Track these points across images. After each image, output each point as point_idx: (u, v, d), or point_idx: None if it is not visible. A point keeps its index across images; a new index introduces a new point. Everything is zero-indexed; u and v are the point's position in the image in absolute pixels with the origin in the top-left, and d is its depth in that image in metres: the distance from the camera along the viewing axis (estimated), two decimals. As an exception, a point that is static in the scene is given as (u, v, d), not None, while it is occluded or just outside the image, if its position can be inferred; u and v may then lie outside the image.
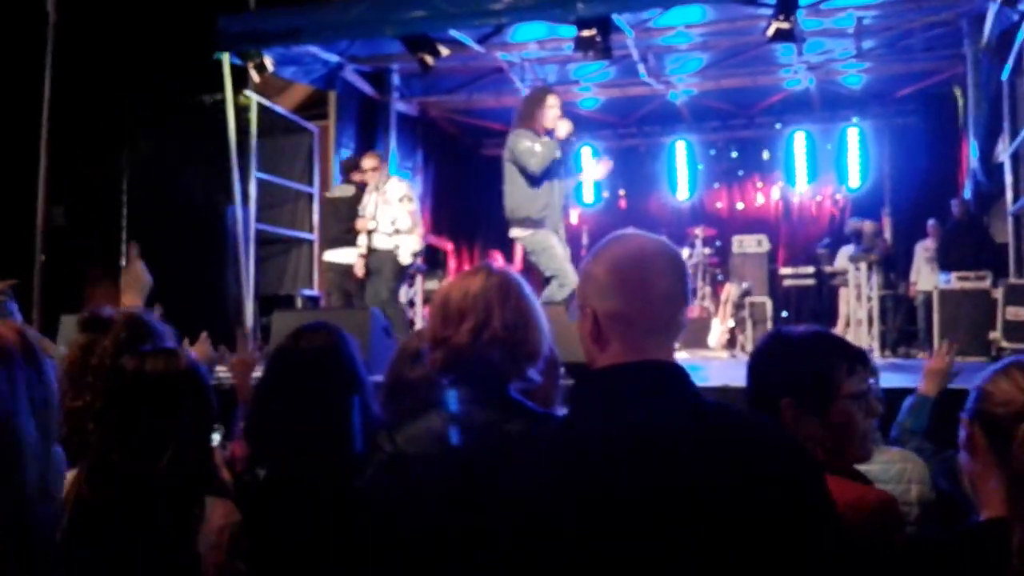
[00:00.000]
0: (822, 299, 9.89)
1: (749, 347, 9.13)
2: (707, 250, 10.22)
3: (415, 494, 1.85)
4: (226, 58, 8.32)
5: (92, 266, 10.75)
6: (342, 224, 8.04)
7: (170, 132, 9.77)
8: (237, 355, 3.37)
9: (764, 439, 1.39)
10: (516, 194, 6.00)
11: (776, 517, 1.30)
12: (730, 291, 9.17)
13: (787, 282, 10.10)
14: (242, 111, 8.83)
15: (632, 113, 11.90)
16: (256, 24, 8.37)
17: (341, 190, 8.33)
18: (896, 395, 3.01)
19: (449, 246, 12.14)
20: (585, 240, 9.45)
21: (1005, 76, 7.89)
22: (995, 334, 7.11)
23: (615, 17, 7.64)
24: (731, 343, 9.08)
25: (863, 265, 8.23)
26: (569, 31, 7.79)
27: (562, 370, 2.52)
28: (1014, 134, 7.73)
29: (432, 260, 10.32)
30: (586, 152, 11.85)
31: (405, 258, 7.60)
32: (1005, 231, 8.09)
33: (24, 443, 1.47)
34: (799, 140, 11.79)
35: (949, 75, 9.83)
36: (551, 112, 5.98)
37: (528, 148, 5.87)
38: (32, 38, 8.32)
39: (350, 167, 8.33)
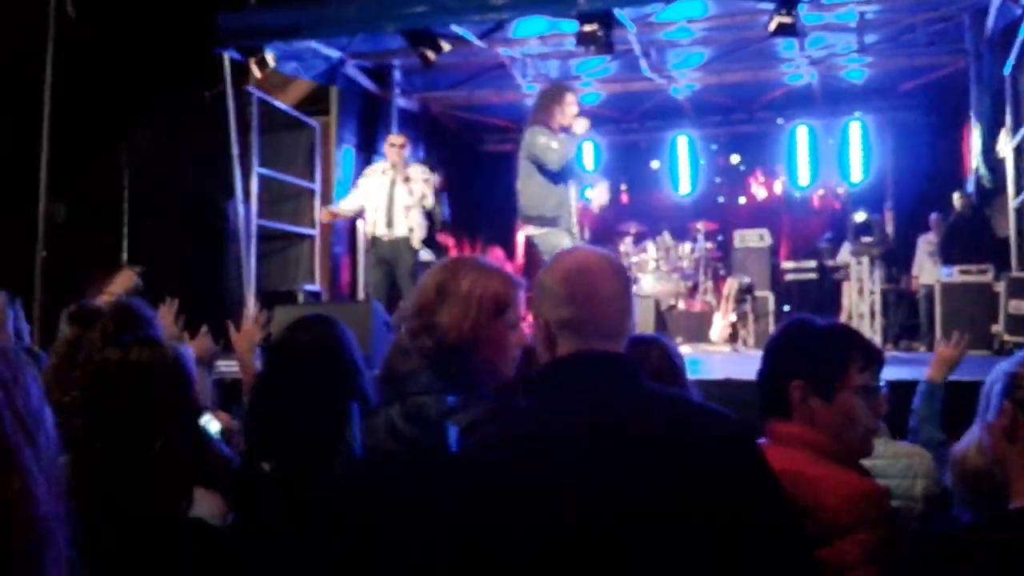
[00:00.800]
0: (824, 293, 9.88)
1: (751, 341, 9.13)
2: (709, 244, 10.21)
3: (367, 487, 1.87)
4: (227, 54, 8.32)
5: (93, 262, 10.73)
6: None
7: (171, 128, 9.75)
8: (240, 332, 3.34)
9: (706, 421, 1.49)
10: (530, 191, 6.00)
11: (718, 495, 1.38)
12: (732, 285, 9.17)
13: (789, 276, 10.10)
14: (243, 107, 8.82)
15: (634, 108, 11.88)
16: (257, 19, 8.36)
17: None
18: (898, 388, 3.01)
19: (451, 242, 12.13)
20: (587, 235, 9.44)
21: (1007, 71, 7.87)
22: (997, 327, 7.10)
23: (617, 12, 7.63)
24: (733, 337, 9.08)
25: (865, 259, 8.22)
26: (571, 26, 7.77)
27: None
28: (1016, 128, 7.71)
29: (433, 255, 10.30)
30: (587, 147, 11.85)
31: (416, 242, 7.47)
32: (1007, 225, 8.08)
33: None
34: (801, 135, 11.76)
35: (951, 70, 9.81)
36: (571, 109, 5.97)
37: (546, 144, 5.86)
38: (33, 34, 8.31)
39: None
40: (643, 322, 4.41)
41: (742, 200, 12.95)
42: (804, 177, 11.92)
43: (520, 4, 7.58)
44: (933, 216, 9.65)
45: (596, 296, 1.56)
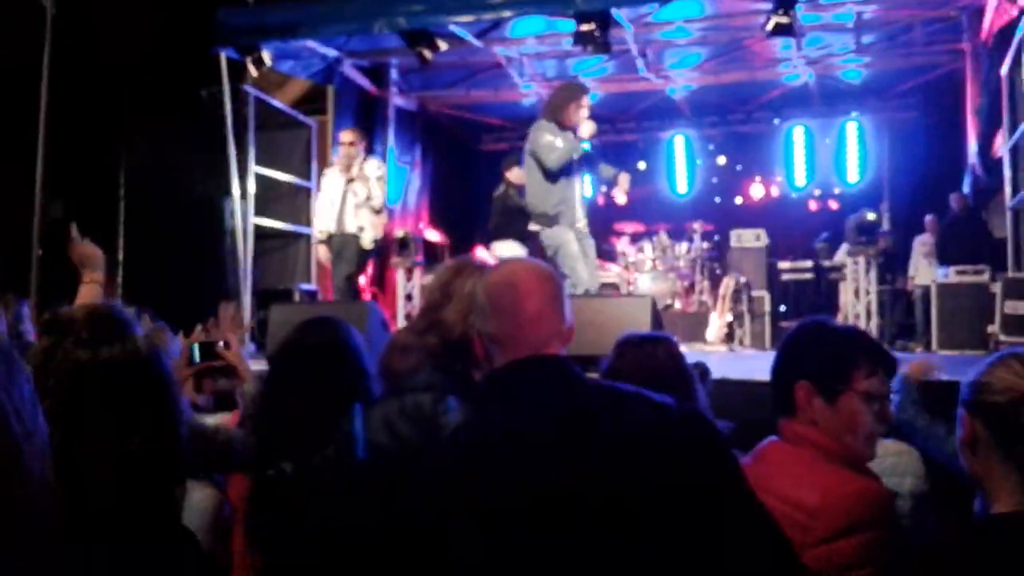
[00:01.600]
0: (821, 293, 9.89)
1: (747, 341, 9.13)
2: (705, 244, 10.21)
3: (369, 485, 1.88)
4: (224, 52, 8.31)
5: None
6: (503, 217, 8.08)
7: (167, 126, 9.74)
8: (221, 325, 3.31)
9: (652, 409, 1.50)
10: (532, 188, 6.05)
11: (669, 481, 1.40)
12: (728, 285, 9.17)
13: (785, 276, 10.10)
14: (240, 106, 8.81)
15: (631, 108, 11.88)
16: (254, 18, 8.35)
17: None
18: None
19: (447, 241, 12.13)
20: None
21: (1004, 71, 7.88)
22: (993, 328, 7.11)
23: (614, 11, 7.62)
24: (729, 337, 9.07)
25: (861, 259, 8.22)
26: (568, 26, 7.77)
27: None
28: (1013, 128, 7.72)
29: (430, 255, 10.30)
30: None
31: (367, 242, 7.42)
32: (1004, 225, 8.09)
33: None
34: (798, 135, 11.78)
35: (949, 70, 9.82)
36: (583, 112, 5.99)
37: (549, 143, 5.88)
38: (30, 32, 8.29)
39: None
40: (640, 322, 4.41)
41: (739, 200, 12.95)
42: (801, 177, 11.93)
43: (517, 3, 7.58)
44: (929, 217, 9.66)
45: (518, 313, 1.58)
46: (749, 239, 10.04)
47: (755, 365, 6.53)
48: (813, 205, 12.68)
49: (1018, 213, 7.79)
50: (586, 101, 6.08)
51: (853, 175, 11.53)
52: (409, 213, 11.29)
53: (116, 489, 1.86)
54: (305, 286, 9.17)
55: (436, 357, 1.95)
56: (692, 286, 9.93)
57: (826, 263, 10.08)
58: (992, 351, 6.78)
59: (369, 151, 10.54)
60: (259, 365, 3.04)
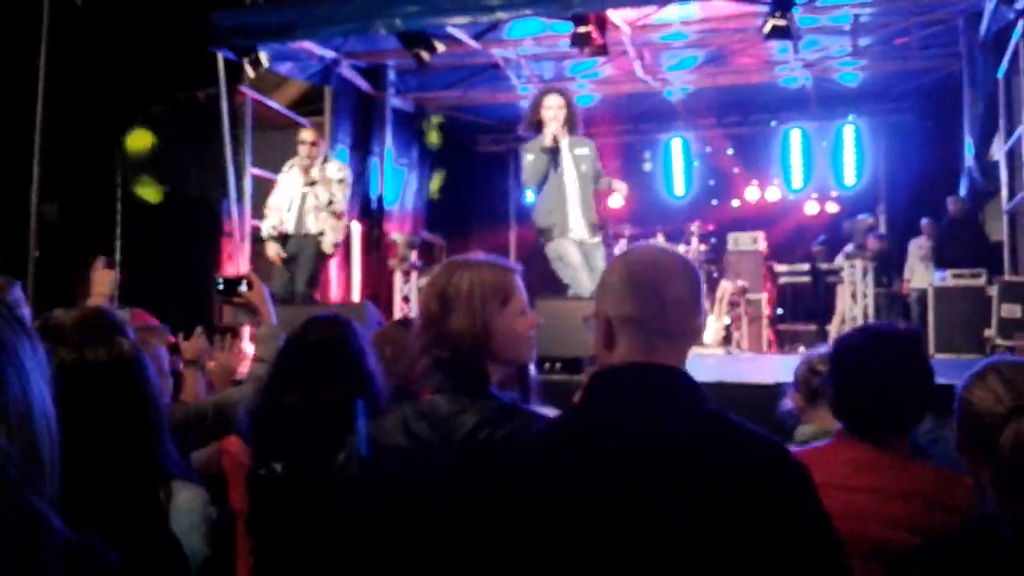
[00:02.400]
0: (818, 296, 9.90)
1: (744, 344, 9.13)
2: (703, 247, 10.21)
3: (376, 484, 1.87)
4: (221, 53, 8.30)
5: (86, 261, 10.68)
6: None
7: (164, 127, 9.73)
8: (217, 360, 3.32)
9: (759, 451, 1.40)
10: (534, 205, 6.04)
11: (767, 527, 1.32)
12: (725, 288, 9.18)
13: (783, 279, 10.12)
14: (237, 107, 8.80)
15: (628, 110, 11.89)
16: (251, 19, 8.34)
17: None
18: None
19: (444, 242, 12.13)
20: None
21: (1001, 74, 7.89)
22: (990, 332, 7.12)
23: (611, 14, 7.63)
24: (726, 340, 9.08)
25: (858, 263, 8.23)
26: (565, 27, 7.78)
27: (554, 365, 2.51)
28: (1009, 132, 7.73)
29: (427, 256, 10.30)
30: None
31: (328, 247, 7.18)
32: (1000, 229, 8.10)
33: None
34: (795, 138, 11.79)
35: (945, 73, 9.83)
36: (546, 113, 5.96)
37: (524, 161, 5.94)
38: (27, 32, 8.28)
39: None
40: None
41: (736, 203, 12.96)
42: (798, 180, 11.95)
43: (514, 5, 7.57)
44: (924, 221, 9.67)
45: (662, 293, 1.49)
46: (746, 242, 10.06)
47: (752, 368, 6.54)
48: (810, 208, 12.69)
49: (1014, 216, 7.81)
50: (547, 102, 5.98)
51: (850, 178, 11.54)
52: (407, 215, 11.28)
53: (95, 491, 1.86)
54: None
55: (449, 369, 1.93)
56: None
57: (823, 266, 10.10)
58: (989, 355, 6.80)
59: (366, 152, 10.56)
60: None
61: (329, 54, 9.49)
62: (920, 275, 9.34)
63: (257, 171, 8.98)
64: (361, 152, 10.53)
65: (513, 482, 1.47)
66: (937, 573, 1.58)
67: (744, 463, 1.37)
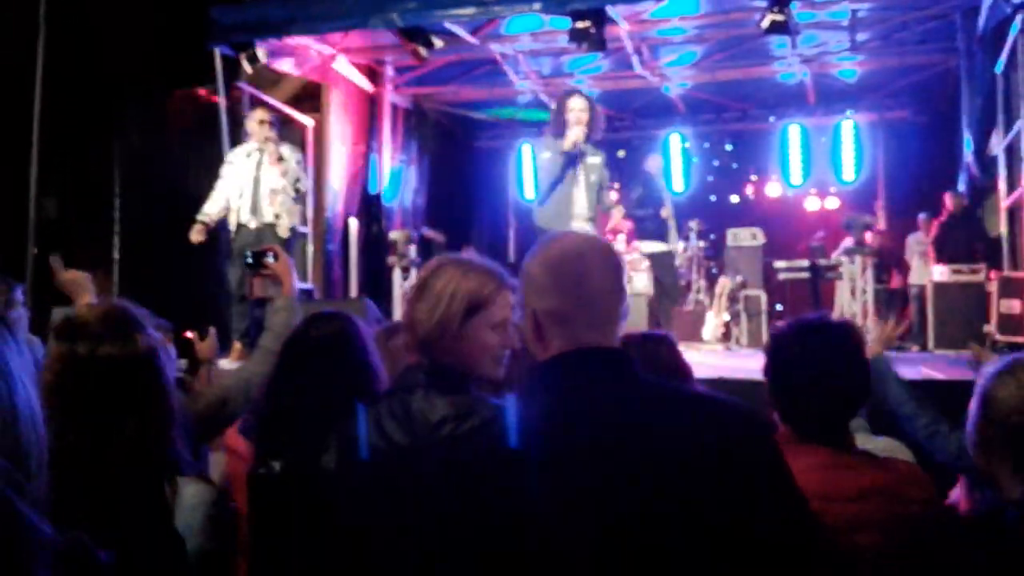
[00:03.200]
0: (817, 292, 9.89)
1: (744, 340, 9.13)
2: (702, 243, 10.21)
3: (366, 484, 1.86)
4: (218, 49, 8.29)
5: (84, 258, 10.67)
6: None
7: (162, 124, 9.72)
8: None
9: (713, 409, 1.42)
10: (538, 202, 6.05)
11: (729, 483, 1.33)
12: (725, 284, 9.17)
13: (782, 275, 10.10)
14: (235, 103, 8.79)
15: (627, 106, 11.88)
16: (249, 15, 8.33)
17: None
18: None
19: (443, 238, 12.13)
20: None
21: (999, 69, 7.88)
22: (989, 327, 7.12)
23: (609, 9, 7.62)
24: (726, 336, 9.08)
25: (858, 258, 8.23)
26: (563, 23, 7.77)
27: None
28: (1008, 127, 7.73)
29: (426, 252, 10.30)
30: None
31: (284, 231, 6.83)
32: (999, 224, 8.10)
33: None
34: (793, 133, 11.78)
35: (944, 68, 9.83)
36: (570, 116, 5.93)
37: (539, 158, 6.02)
38: (24, 28, 8.27)
39: None
40: (636, 321, 4.40)
41: (735, 199, 12.96)
42: (796, 176, 11.94)
43: (512, 1, 7.57)
44: (921, 216, 9.67)
45: (584, 285, 1.49)
46: (745, 238, 10.05)
47: (751, 364, 6.53)
48: (810, 204, 12.69)
49: (1013, 212, 7.81)
50: (571, 105, 5.96)
51: (849, 174, 11.53)
52: (406, 211, 11.28)
53: (100, 484, 1.86)
54: (301, 285, 9.14)
55: (416, 354, 1.93)
56: (688, 285, 9.93)
57: (822, 262, 10.09)
58: (991, 351, 6.79)
59: (364, 149, 10.56)
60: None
61: (327, 50, 9.48)
62: (919, 270, 9.34)
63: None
64: (359, 148, 10.52)
65: (468, 485, 1.50)
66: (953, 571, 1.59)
67: (695, 424, 1.39)
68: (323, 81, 9.97)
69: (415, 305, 1.89)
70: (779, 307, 9.97)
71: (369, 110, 10.69)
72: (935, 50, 9.51)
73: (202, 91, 9.06)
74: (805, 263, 10.22)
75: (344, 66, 9.98)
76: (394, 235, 9.36)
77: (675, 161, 12.33)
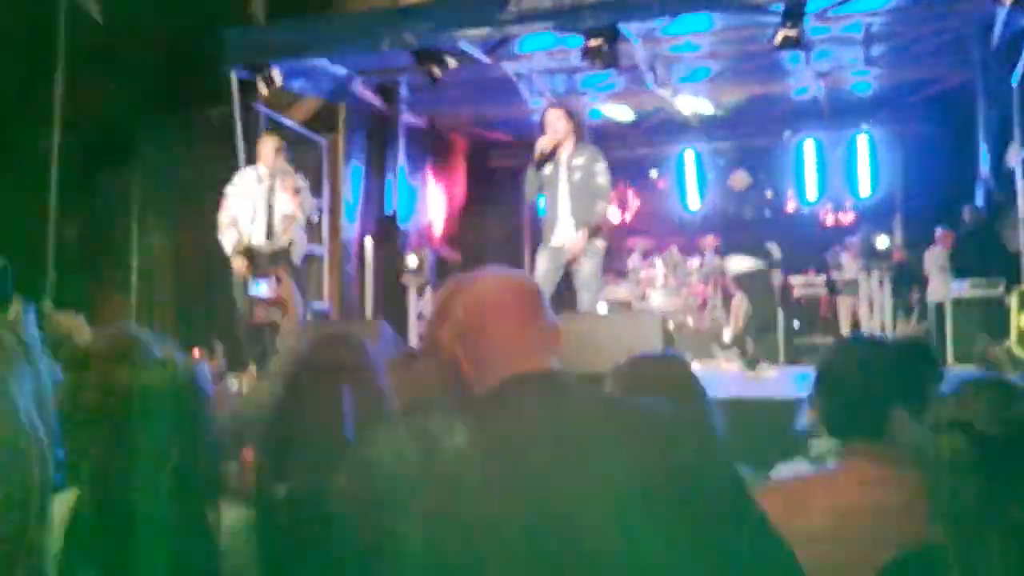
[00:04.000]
0: (834, 308, 9.85)
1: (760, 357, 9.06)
2: (718, 260, 10.17)
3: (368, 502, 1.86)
4: (234, 72, 8.35)
5: (104, 283, 10.77)
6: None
7: (179, 146, 9.79)
8: None
9: (660, 418, 1.49)
10: None
11: (672, 486, 1.38)
12: (741, 301, 9.13)
13: (798, 291, 10.07)
14: (251, 125, 8.84)
15: (640, 123, 11.87)
16: (264, 37, 8.41)
17: None
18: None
19: (459, 258, 12.14)
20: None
21: (1015, 81, 7.84)
22: (1009, 342, 7.05)
23: (622, 26, 7.63)
24: (743, 353, 9.02)
25: (875, 273, 8.18)
26: (576, 41, 7.79)
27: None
28: (1025, 140, 7.68)
29: (442, 273, 10.31)
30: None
31: (297, 258, 6.84)
32: (1017, 238, 8.03)
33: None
34: (808, 149, 11.73)
35: (959, 81, 9.78)
36: (547, 128, 6.04)
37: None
38: (43, 52, 8.36)
39: None
40: (650, 339, 4.39)
41: (750, 215, 12.89)
42: (812, 192, 11.88)
43: (525, 19, 7.59)
44: (939, 230, 9.61)
45: (488, 333, 1.57)
46: (750, 263, 9.98)
47: (768, 382, 6.49)
48: (826, 219, 12.62)
49: (1032, 225, 7.75)
50: (546, 118, 6.09)
51: (865, 188, 11.47)
52: (421, 231, 11.30)
53: (153, 509, 1.86)
54: (317, 305, 9.18)
55: (435, 377, 1.93)
56: (704, 302, 9.89)
57: (838, 278, 10.05)
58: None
59: (380, 169, 10.61)
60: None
61: (342, 71, 9.52)
62: (937, 286, 9.27)
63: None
64: (375, 169, 10.56)
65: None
66: None
67: (646, 432, 1.45)
68: (338, 102, 10.02)
69: (438, 325, 1.89)
70: (797, 323, 9.91)
71: (384, 130, 10.73)
72: (950, 63, 9.47)
73: (218, 112, 9.13)
74: (821, 279, 10.18)
75: (359, 87, 10.03)
76: (410, 255, 9.38)
77: (690, 177, 12.32)
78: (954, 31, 8.79)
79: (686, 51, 9.41)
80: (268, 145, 7.02)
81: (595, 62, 7.55)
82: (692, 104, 10.80)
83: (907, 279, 9.82)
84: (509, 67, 9.74)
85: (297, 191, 6.84)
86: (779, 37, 7.18)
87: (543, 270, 5.85)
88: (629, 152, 12.44)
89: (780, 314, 9.43)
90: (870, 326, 8.14)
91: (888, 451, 2.03)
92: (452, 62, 8.27)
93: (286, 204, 6.78)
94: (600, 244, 5.95)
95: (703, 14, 8.24)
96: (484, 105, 10.94)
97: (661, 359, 2.50)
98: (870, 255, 8.31)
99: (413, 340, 8.60)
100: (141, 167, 10.05)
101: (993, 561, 1.50)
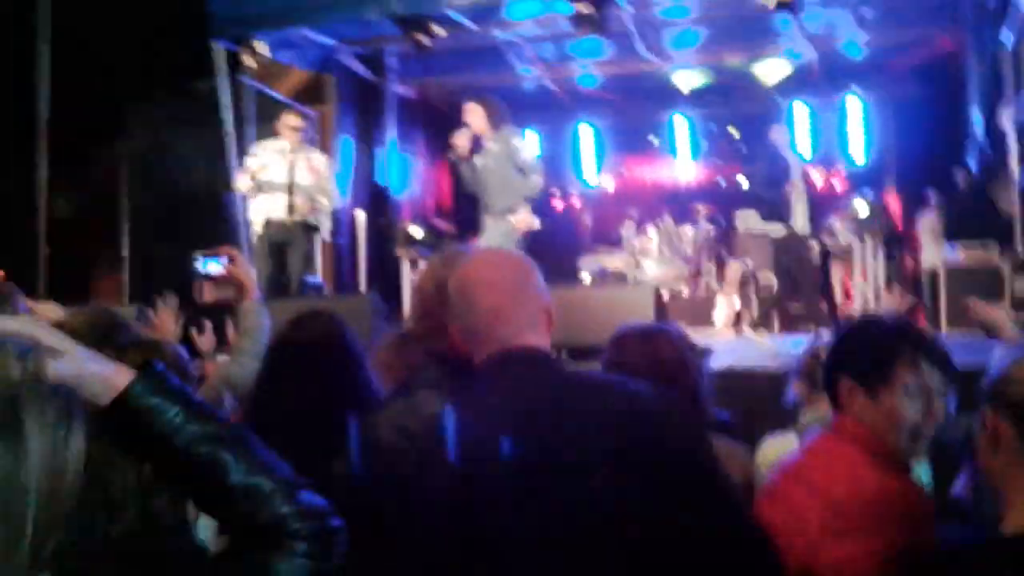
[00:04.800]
0: (827, 274, 9.81)
1: (755, 324, 9.06)
2: (710, 227, 10.14)
3: (370, 484, 1.86)
4: (220, 44, 8.26)
5: (96, 257, 10.74)
6: None
7: (166, 120, 9.72)
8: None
9: (630, 400, 1.50)
10: None
11: (651, 471, 1.40)
12: (735, 269, 9.11)
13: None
14: (239, 97, 8.77)
15: (631, 90, 11.77)
16: (246, 7, 8.30)
17: None
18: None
19: (452, 229, 12.09)
20: (589, 222, 9.36)
21: (1006, 41, 7.78)
22: (1003, 306, 7.05)
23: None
24: (736, 321, 9.02)
25: (868, 240, 8.15)
26: (565, 7, 7.71)
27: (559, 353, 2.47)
28: (1018, 101, 7.63)
29: (435, 245, 10.26)
30: (586, 131, 11.93)
31: (327, 234, 7.34)
32: (1011, 200, 8.01)
33: None
34: (800, 113, 11.64)
35: (952, 43, 9.71)
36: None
37: None
38: (27, 28, 8.28)
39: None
40: (643, 310, 4.38)
41: (743, 181, 12.85)
42: (805, 155, 11.79)
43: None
44: (930, 193, 9.58)
45: (477, 309, 1.59)
46: (754, 221, 9.96)
47: (762, 352, 6.48)
48: (817, 184, 12.55)
49: (1025, 189, 7.72)
50: (464, 113, 6.45)
51: (857, 151, 11.41)
52: (414, 202, 11.24)
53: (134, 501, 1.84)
54: (311, 279, 9.11)
55: (445, 361, 1.90)
56: (698, 270, 9.87)
57: (830, 243, 9.99)
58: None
59: (370, 140, 10.54)
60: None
61: (328, 41, 9.42)
62: (930, 249, 9.25)
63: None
64: (365, 140, 10.48)
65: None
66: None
67: (612, 413, 1.46)
68: (327, 73, 9.92)
69: (442, 309, 1.87)
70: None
71: (373, 101, 10.64)
72: (943, 25, 9.39)
73: (205, 86, 9.04)
74: (814, 245, 10.13)
75: (346, 57, 9.93)
76: (401, 226, 9.33)
77: (682, 144, 12.26)
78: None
79: (676, 16, 9.31)
80: (287, 124, 7.19)
81: (584, 28, 7.48)
82: (684, 73, 10.72)
83: (899, 245, 9.80)
84: (498, 35, 9.64)
85: (320, 166, 7.10)
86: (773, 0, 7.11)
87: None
88: (620, 119, 12.36)
89: (775, 281, 9.41)
90: (863, 294, 8.12)
91: None
92: (439, 30, 8.18)
93: (306, 180, 6.98)
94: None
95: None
96: (474, 74, 10.83)
97: (651, 332, 2.47)
98: (861, 221, 8.28)
99: (406, 313, 8.58)
100: (130, 142, 9.98)
101: None
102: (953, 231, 8.61)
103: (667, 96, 11.84)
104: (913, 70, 10.86)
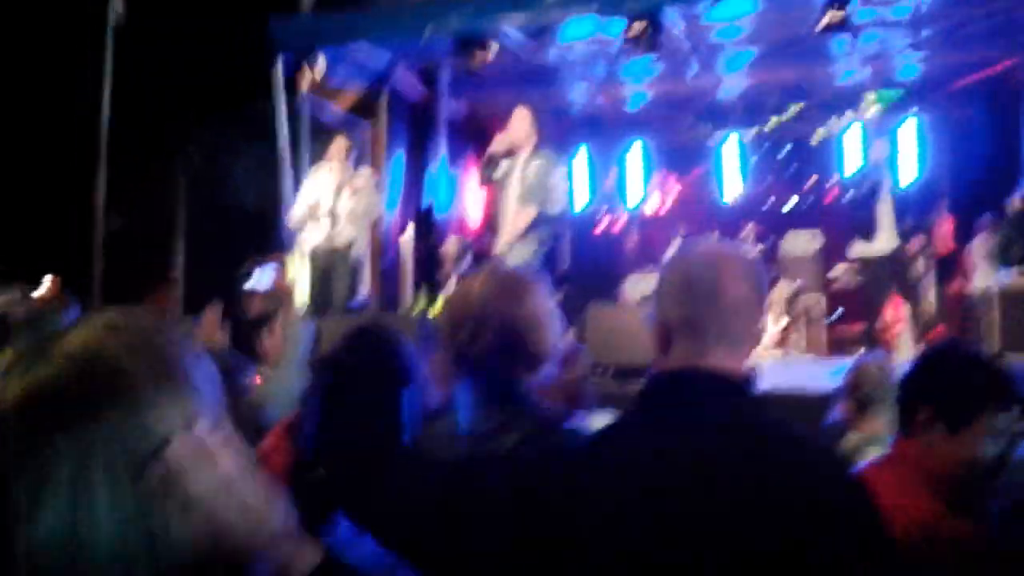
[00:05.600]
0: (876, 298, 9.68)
1: (802, 345, 8.96)
2: (759, 247, 10.07)
3: (419, 495, 1.86)
4: (278, 63, 8.40)
5: (150, 273, 10.94)
6: None
7: (223, 138, 9.88)
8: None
9: (805, 463, 1.33)
10: None
11: (808, 541, 1.24)
12: (782, 289, 9.03)
13: (837, 281, 9.90)
14: (294, 116, 8.90)
15: (683, 109, 11.74)
16: (306, 26, 8.44)
17: None
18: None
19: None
20: (636, 241, 9.32)
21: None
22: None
23: (665, 10, 7.57)
24: (783, 342, 8.93)
25: (920, 262, 8.02)
26: (618, 28, 7.73)
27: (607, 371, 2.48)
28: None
29: (482, 262, 10.31)
30: (635, 150, 11.90)
31: (359, 255, 7.38)
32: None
33: None
34: (854, 133, 11.50)
35: (1010, 64, 9.56)
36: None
37: None
38: (92, 45, 8.49)
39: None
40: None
41: (794, 201, 12.73)
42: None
43: (568, 4, 7.55)
44: (985, 217, 9.42)
45: (717, 295, 1.43)
46: (803, 241, 9.88)
47: (808, 373, 6.39)
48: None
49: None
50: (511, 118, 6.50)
51: (911, 174, 11.23)
52: (464, 221, 11.30)
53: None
54: (358, 300, 9.20)
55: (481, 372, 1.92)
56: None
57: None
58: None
59: (421, 158, 10.62)
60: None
61: (384, 59, 9.53)
62: (984, 274, 9.08)
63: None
64: (416, 158, 10.57)
65: (557, 493, 1.45)
66: None
67: (785, 479, 1.27)
68: (380, 91, 10.03)
69: (459, 332, 1.88)
70: (841, 310, 9.76)
71: (425, 120, 10.73)
72: (1001, 46, 9.26)
73: (262, 104, 9.20)
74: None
75: (401, 75, 10.03)
76: (448, 245, 9.38)
77: (732, 164, 12.18)
78: (1004, 13, 8.58)
79: (729, 36, 9.29)
80: (338, 146, 7.40)
81: (637, 48, 7.49)
82: (736, 93, 10.67)
83: (951, 269, 9.64)
84: (551, 54, 9.68)
85: (364, 191, 7.20)
86: (824, 20, 7.08)
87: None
88: (670, 138, 12.33)
89: (823, 302, 9.32)
90: (910, 319, 7.98)
91: None
92: (494, 48, 8.24)
93: (349, 205, 7.12)
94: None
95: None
96: (524, 93, 10.87)
97: None
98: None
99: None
100: (187, 160, 10.16)
101: None
102: (1007, 255, 8.45)
103: (718, 115, 11.79)
104: (971, 91, 10.69)
